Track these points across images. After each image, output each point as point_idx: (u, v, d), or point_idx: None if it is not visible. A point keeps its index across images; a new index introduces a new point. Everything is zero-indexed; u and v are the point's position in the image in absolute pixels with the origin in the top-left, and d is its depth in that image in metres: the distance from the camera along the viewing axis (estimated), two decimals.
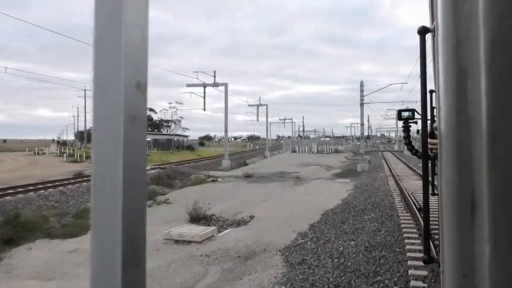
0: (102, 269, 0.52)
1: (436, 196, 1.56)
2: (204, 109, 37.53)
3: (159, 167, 28.25)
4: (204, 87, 35.53)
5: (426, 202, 2.15)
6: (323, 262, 6.42)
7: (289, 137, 70.83)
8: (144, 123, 0.55)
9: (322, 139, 67.60)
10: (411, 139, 2.89)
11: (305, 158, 39.31)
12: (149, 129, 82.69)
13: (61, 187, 16.72)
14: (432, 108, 2.86)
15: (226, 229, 9.78)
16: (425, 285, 5.15)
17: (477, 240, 0.69)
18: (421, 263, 5.32)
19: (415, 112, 2.68)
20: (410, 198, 11.86)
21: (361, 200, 12.86)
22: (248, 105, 52.68)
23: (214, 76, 35.25)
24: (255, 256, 7.17)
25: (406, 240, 7.28)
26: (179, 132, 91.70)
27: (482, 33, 0.68)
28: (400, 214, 9.99)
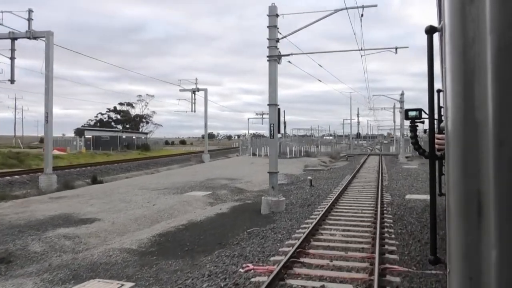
0: None
1: (444, 196, 1.56)
2: (12, 82, 19.84)
3: None
4: (13, 39, 19.50)
5: (433, 202, 2.15)
6: None
7: (280, 135, 61.26)
8: None
9: (308, 137, 60.92)
10: (418, 139, 2.88)
11: (237, 168, 26.86)
12: (127, 126, 78.15)
13: None
14: (439, 108, 2.85)
15: None
16: None
17: (483, 243, 0.70)
18: None
19: (422, 112, 2.67)
20: None
21: None
22: (180, 90, 39.44)
23: (29, 19, 19.09)
24: None
25: None
26: (150, 128, 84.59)
27: (490, 37, 0.68)
28: None
